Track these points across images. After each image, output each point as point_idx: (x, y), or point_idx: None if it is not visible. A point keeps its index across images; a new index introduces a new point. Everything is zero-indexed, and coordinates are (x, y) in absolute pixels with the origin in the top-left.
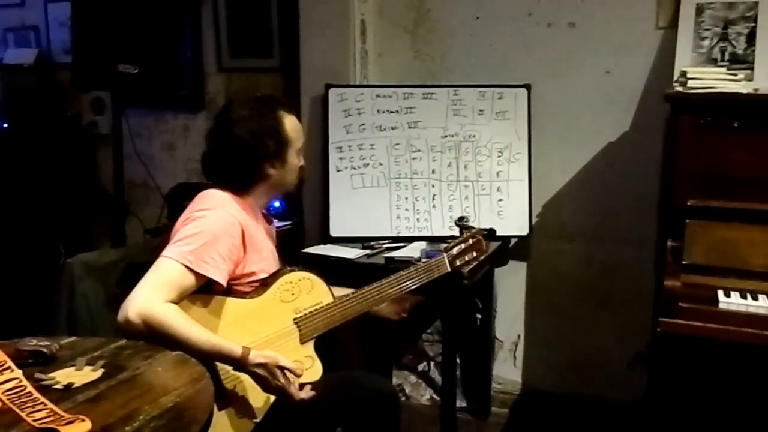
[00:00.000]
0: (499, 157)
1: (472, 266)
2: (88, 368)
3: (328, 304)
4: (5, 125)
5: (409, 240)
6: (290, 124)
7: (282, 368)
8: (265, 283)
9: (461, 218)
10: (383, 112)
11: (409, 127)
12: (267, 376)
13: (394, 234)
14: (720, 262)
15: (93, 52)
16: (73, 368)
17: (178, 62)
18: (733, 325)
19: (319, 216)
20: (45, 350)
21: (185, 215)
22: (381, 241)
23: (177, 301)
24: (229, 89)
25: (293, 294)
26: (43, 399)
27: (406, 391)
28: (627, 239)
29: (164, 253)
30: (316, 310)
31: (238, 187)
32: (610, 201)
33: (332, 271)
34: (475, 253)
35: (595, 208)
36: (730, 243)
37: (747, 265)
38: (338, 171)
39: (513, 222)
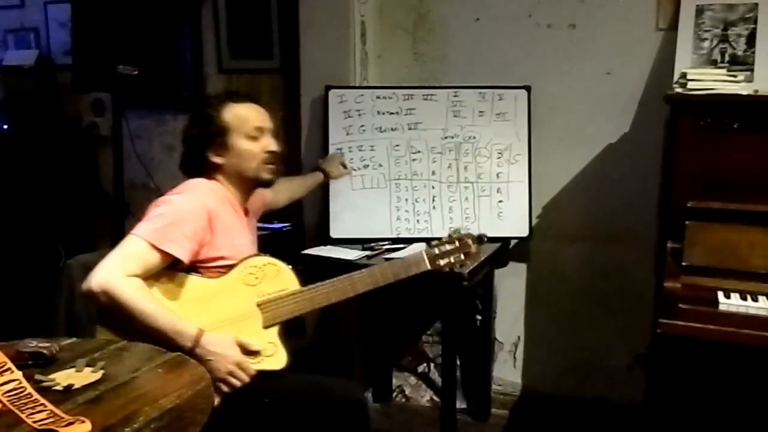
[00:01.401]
0: (499, 158)
1: (458, 268)
2: (88, 370)
3: (294, 290)
4: (5, 127)
5: (409, 241)
6: (233, 111)
7: (240, 344)
8: (230, 269)
9: (455, 230)
10: (383, 113)
11: (409, 129)
12: (218, 362)
13: (394, 235)
14: (720, 263)
15: (93, 54)
16: (73, 370)
17: (178, 64)
18: (733, 326)
19: (319, 217)
20: (45, 352)
21: (158, 199)
22: (381, 243)
23: (141, 276)
24: (229, 90)
25: (257, 278)
26: (43, 400)
27: (406, 392)
28: (627, 241)
29: (132, 231)
30: (280, 295)
31: (196, 176)
32: (610, 202)
33: (332, 272)
34: (462, 256)
35: (595, 209)
36: (730, 244)
37: (747, 266)
38: None
39: (513, 223)
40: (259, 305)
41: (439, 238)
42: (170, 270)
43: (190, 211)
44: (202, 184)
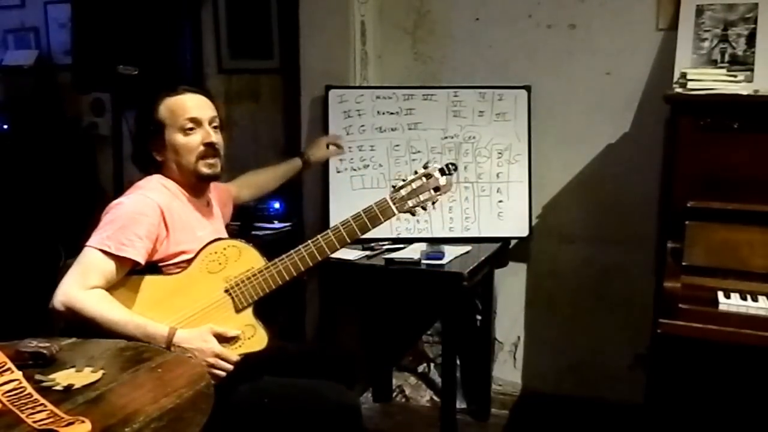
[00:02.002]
0: (499, 158)
1: (431, 206)
2: (88, 370)
3: (259, 267)
4: (5, 127)
5: (409, 241)
6: (166, 105)
7: (216, 333)
8: (191, 260)
9: (425, 165)
10: (383, 113)
11: (409, 129)
12: (197, 357)
13: (393, 235)
14: (720, 263)
15: (93, 54)
16: (73, 370)
17: (178, 63)
18: (733, 326)
19: (319, 217)
20: (45, 352)
21: (108, 205)
22: (381, 243)
23: (103, 287)
24: (229, 90)
25: (220, 263)
26: (43, 400)
27: (406, 392)
28: (627, 241)
29: (87, 243)
30: (246, 276)
31: (149, 172)
32: (610, 202)
33: (332, 273)
34: (432, 191)
35: (595, 209)
36: (730, 244)
37: (747, 266)
38: (338, 172)
39: (513, 223)
40: (227, 290)
41: (444, 239)
42: (132, 275)
43: (139, 211)
44: (151, 182)
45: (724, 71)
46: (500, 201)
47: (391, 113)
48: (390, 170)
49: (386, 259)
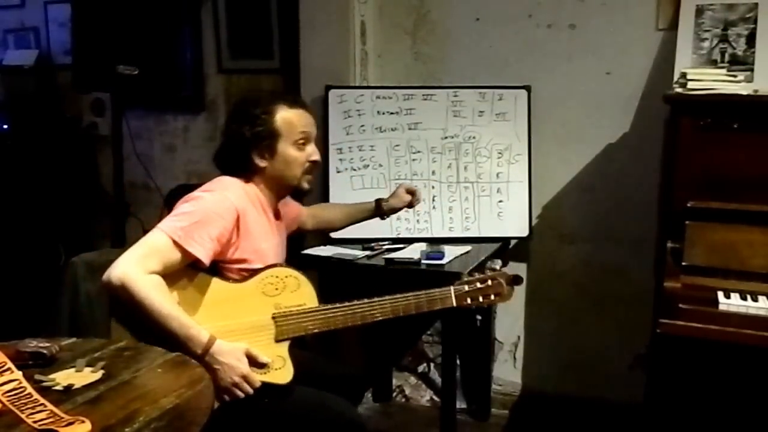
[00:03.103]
0: (499, 158)
1: (485, 307)
2: (88, 369)
3: (311, 308)
4: (5, 127)
5: (409, 241)
6: (284, 116)
7: (250, 355)
8: (253, 274)
9: (495, 267)
10: (383, 113)
11: (409, 129)
12: (225, 372)
13: (394, 235)
14: (720, 263)
15: (93, 54)
16: (73, 370)
17: (178, 64)
18: (733, 326)
19: None
20: (45, 352)
21: (188, 195)
22: (381, 243)
23: (161, 273)
24: (229, 90)
25: (277, 289)
26: (43, 400)
27: (406, 392)
28: (627, 240)
29: (158, 225)
30: (297, 311)
31: (235, 175)
32: (610, 202)
33: (332, 272)
34: (493, 296)
35: (595, 209)
36: (730, 244)
37: (747, 266)
38: (338, 172)
39: (513, 223)
40: (274, 317)
41: (444, 238)
42: (191, 269)
43: (218, 212)
44: (235, 185)
45: (724, 71)
46: (500, 201)
47: (391, 113)
48: (390, 170)
49: (386, 259)
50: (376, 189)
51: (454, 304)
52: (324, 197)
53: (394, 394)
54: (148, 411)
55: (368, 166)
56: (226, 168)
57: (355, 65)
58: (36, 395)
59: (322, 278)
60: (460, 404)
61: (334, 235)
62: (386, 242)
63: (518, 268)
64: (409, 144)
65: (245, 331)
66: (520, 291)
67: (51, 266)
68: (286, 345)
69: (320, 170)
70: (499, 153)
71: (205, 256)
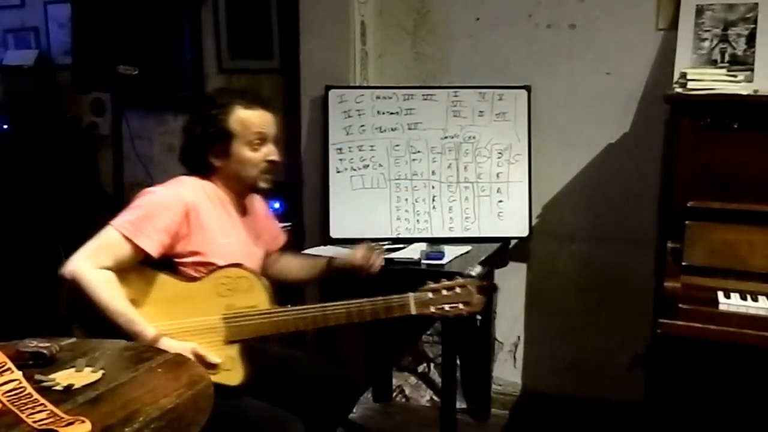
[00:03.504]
0: (499, 158)
1: (451, 317)
2: (88, 369)
3: (263, 310)
4: (5, 127)
5: (409, 241)
6: (239, 116)
7: (197, 355)
8: (210, 272)
9: (466, 274)
10: (383, 113)
11: (409, 129)
12: None
13: (394, 235)
14: (720, 263)
15: (93, 54)
16: (73, 369)
17: (178, 63)
18: (733, 326)
19: (319, 217)
20: (45, 352)
21: (142, 190)
22: (381, 243)
23: (113, 268)
24: None
25: (229, 289)
26: (43, 400)
27: (406, 392)
28: (627, 241)
29: (111, 221)
30: (248, 312)
31: (196, 172)
32: (610, 202)
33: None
34: (461, 306)
35: (595, 209)
36: (730, 244)
37: (747, 266)
38: (338, 172)
39: (513, 223)
40: (224, 318)
41: (443, 238)
42: (147, 266)
43: (165, 204)
44: (190, 181)
45: (724, 71)
46: (500, 201)
47: (391, 113)
48: (390, 170)
49: (386, 259)
50: (375, 189)
51: (414, 312)
52: (324, 197)
53: (394, 394)
54: (148, 411)
55: (368, 166)
56: (188, 166)
57: (355, 65)
58: (36, 395)
59: (322, 278)
60: (460, 404)
61: (334, 235)
62: (386, 242)
63: (518, 268)
64: (409, 144)
65: (196, 331)
66: (519, 291)
67: (51, 266)
68: (236, 347)
69: (278, 169)
70: (499, 153)
71: (153, 249)
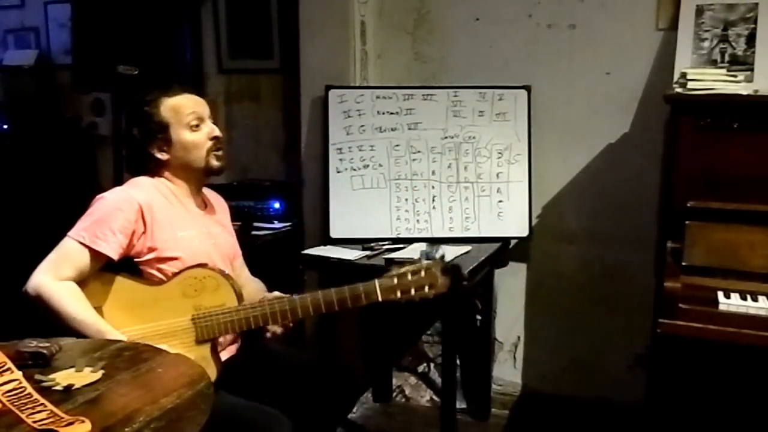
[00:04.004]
0: (499, 158)
1: (417, 300)
2: (88, 369)
3: (231, 307)
4: (5, 127)
5: (409, 241)
6: (167, 105)
7: None
8: (174, 274)
9: (430, 255)
10: (383, 113)
11: (409, 129)
12: None
13: (394, 235)
14: (720, 263)
15: (93, 54)
16: (73, 369)
17: (178, 63)
18: (733, 326)
19: (319, 217)
20: (45, 352)
21: (96, 201)
22: (381, 243)
23: (76, 278)
24: (229, 90)
25: (196, 290)
26: (43, 400)
27: (406, 392)
28: (627, 240)
29: (68, 232)
30: (217, 310)
31: (144, 173)
32: (610, 202)
33: (332, 272)
34: (426, 289)
35: (595, 209)
36: (730, 244)
37: (747, 266)
38: (338, 172)
39: (513, 223)
40: (193, 319)
41: (444, 238)
42: (110, 272)
43: (117, 206)
44: (141, 181)
45: (724, 71)
46: (500, 201)
47: (391, 113)
48: (390, 170)
49: (386, 259)
50: (375, 189)
51: (380, 298)
52: (324, 197)
53: (394, 394)
54: (148, 411)
55: (368, 166)
56: (137, 171)
57: (355, 65)
58: (36, 395)
59: (322, 278)
60: (460, 404)
61: (334, 235)
62: (386, 242)
63: (518, 268)
64: (409, 144)
65: (166, 333)
66: (520, 291)
67: None
68: (207, 346)
69: (225, 145)
70: (499, 153)
71: (112, 252)
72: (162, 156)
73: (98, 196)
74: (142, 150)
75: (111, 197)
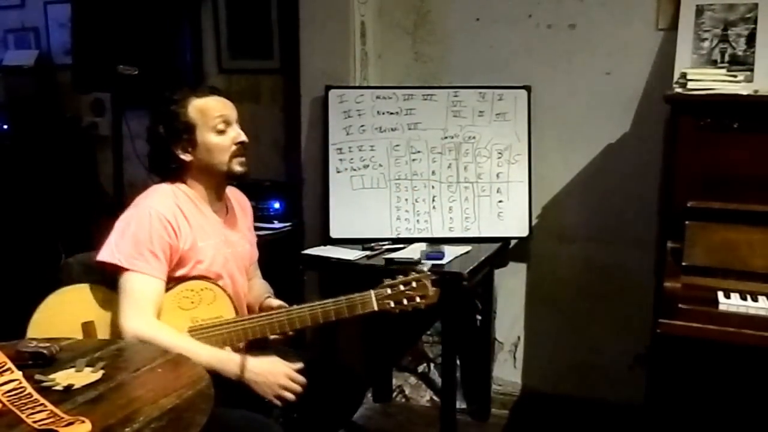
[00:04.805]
0: (499, 158)
1: (410, 311)
2: (88, 369)
3: (228, 320)
4: (5, 127)
5: (409, 241)
6: (195, 106)
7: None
8: (172, 287)
9: (419, 269)
10: (383, 113)
11: (409, 129)
12: (268, 378)
13: (394, 235)
14: (720, 263)
15: (93, 54)
16: (73, 369)
17: (178, 63)
18: (733, 326)
19: (319, 217)
20: (45, 352)
21: (122, 222)
22: (381, 243)
23: (158, 310)
24: (229, 90)
25: (193, 302)
26: (43, 400)
27: (406, 392)
28: (627, 240)
29: (123, 266)
30: (213, 323)
31: (168, 177)
32: (610, 202)
33: (332, 273)
34: (418, 299)
35: (595, 209)
36: (730, 244)
37: (747, 266)
38: (338, 172)
39: (513, 223)
40: (190, 332)
41: (444, 238)
42: (109, 291)
43: (154, 229)
44: (160, 191)
45: (724, 71)
46: (500, 201)
47: (391, 113)
48: (390, 170)
49: (386, 259)
50: (375, 189)
51: (376, 308)
52: (324, 197)
53: (394, 394)
54: (148, 411)
55: (368, 166)
56: (159, 171)
57: (355, 65)
58: (36, 395)
59: (322, 278)
60: (460, 404)
61: (334, 235)
62: (386, 242)
63: (518, 268)
64: (409, 144)
65: None
66: (520, 291)
67: (51, 266)
68: None
69: (248, 150)
70: (499, 153)
71: (164, 272)
72: (185, 157)
73: (126, 222)
74: (165, 149)
75: (139, 219)
